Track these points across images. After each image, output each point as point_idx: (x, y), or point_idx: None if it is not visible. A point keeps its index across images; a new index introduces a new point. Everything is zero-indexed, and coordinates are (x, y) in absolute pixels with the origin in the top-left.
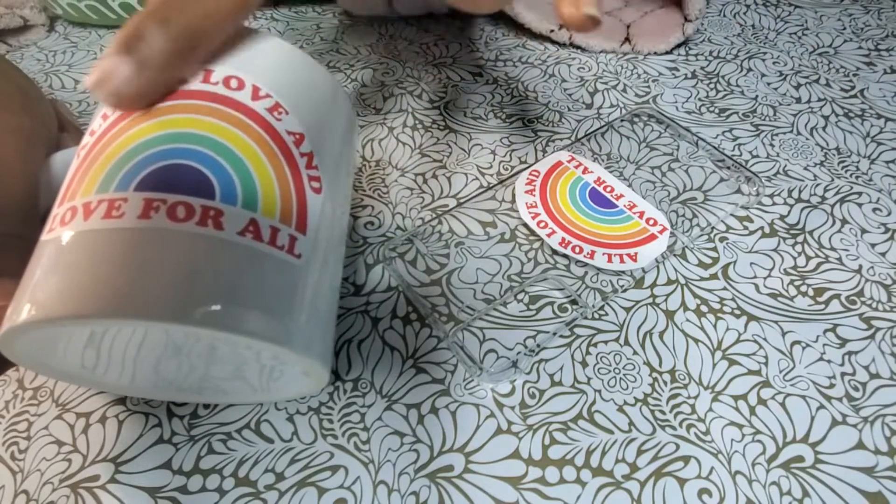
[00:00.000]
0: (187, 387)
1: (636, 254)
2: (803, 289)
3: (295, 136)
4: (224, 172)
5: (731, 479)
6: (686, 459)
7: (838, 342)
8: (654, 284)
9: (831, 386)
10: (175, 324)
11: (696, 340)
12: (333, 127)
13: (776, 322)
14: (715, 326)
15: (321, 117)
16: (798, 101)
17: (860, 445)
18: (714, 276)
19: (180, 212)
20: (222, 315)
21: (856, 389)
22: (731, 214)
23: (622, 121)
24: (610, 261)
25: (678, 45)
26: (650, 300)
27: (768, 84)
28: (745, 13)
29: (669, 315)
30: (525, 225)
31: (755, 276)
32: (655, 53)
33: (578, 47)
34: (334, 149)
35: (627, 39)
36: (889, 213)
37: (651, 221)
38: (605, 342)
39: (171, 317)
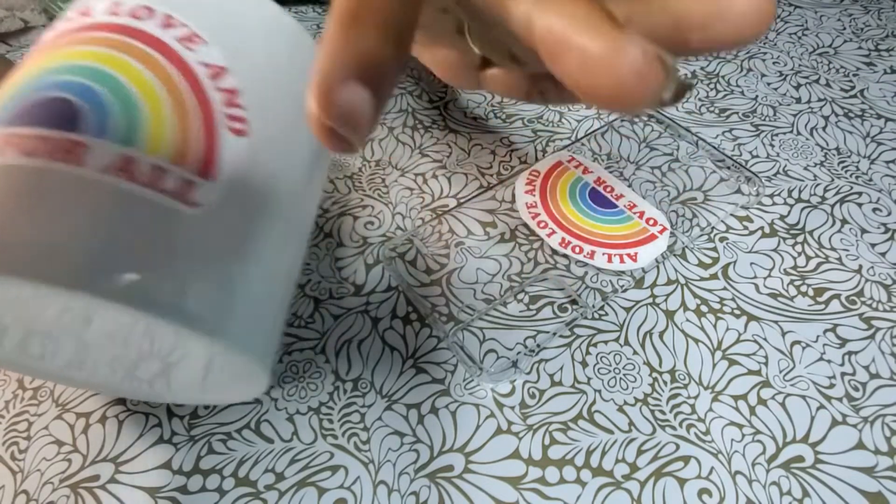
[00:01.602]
0: (132, 382)
1: (636, 254)
2: (803, 289)
3: (211, 69)
4: (101, 105)
5: (731, 479)
6: (686, 459)
7: (838, 342)
8: (654, 284)
9: (831, 386)
10: None
11: (696, 340)
12: (285, 70)
13: (776, 322)
14: (715, 326)
15: (264, 55)
16: (798, 101)
17: (860, 445)
18: (714, 276)
19: (35, 145)
20: (51, 260)
21: (856, 389)
22: (731, 214)
23: (622, 121)
24: (610, 261)
25: None
26: (650, 300)
27: (768, 84)
28: None
29: (669, 315)
30: (525, 225)
31: (755, 276)
32: None
33: None
34: (283, 93)
35: None
36: (889, 213)
37: (651, 221)
38: (605, 342)
39: None
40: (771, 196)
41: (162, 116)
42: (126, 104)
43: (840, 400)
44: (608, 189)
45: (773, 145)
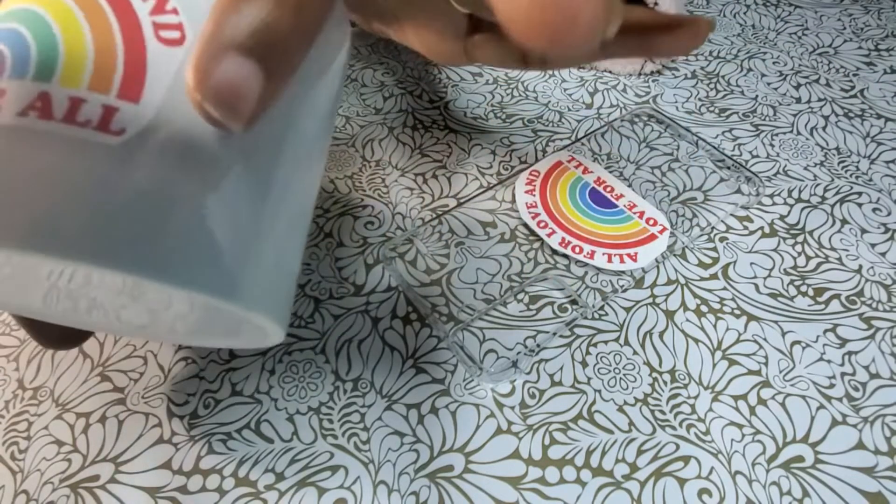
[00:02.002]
0: (133, 322)
1: (636, 254)
2: (803, 289)
3: None
4: (24, 46)
5: (731, 479)
6: (686, 459)
7: (838, 342)
8: (654, 284)
9: (831, 386)
10: None
11: (696, 340)
12: None
13: (776, 322)
14: (715, 326)
15: None
16: (798, 101)
17: (860, 445)
18: (714, 276)
19: None
20: None
21: (856, 389)
22: (731, 214)
23: (622, 121)
24: (610, 261)
25: (632, 75)
26: (650, 300)
27: (768, 84)
28: (745, 13)
29: (669, 315)
30: (525, 225)
31: (755, 276)
32: (610, 72)
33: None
34: None
35: None
36: (889, 213)
37: (651, 221)
38: (605, 342)
39: None
40: (771, 196)
41: (79, 41)
42: (44, 38)
43: (840, 400)
44: (608, 189)
45: (773, 145)
